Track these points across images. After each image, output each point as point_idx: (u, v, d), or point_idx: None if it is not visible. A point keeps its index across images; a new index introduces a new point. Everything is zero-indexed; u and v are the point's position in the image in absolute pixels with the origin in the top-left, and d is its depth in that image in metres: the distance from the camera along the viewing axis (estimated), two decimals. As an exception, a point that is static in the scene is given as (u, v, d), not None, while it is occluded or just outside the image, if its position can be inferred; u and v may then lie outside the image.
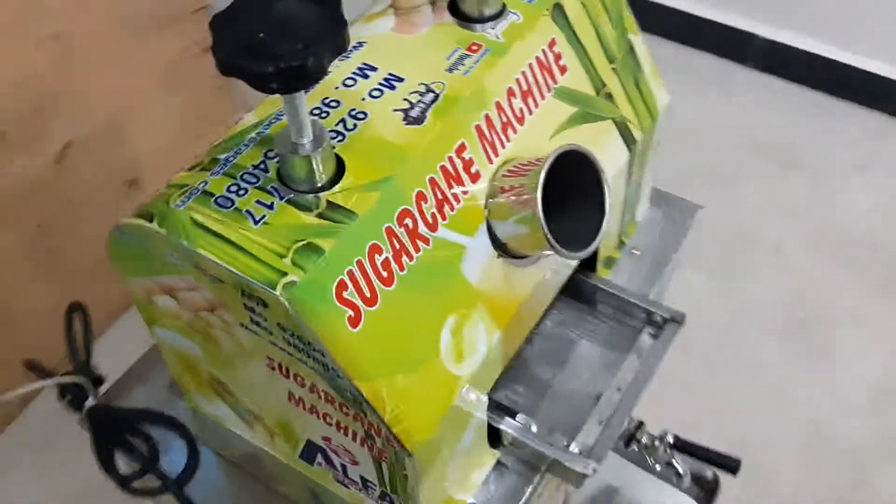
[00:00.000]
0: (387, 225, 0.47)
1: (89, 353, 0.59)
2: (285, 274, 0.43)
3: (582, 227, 0.52)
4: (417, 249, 0.48)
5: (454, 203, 0.50)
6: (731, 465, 0.70)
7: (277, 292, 0.42)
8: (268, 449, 0.58)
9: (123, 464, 0.59)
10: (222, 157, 0.48)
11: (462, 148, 0.51)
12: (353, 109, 0.50)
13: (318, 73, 0.41)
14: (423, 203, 0.48)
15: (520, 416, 0.58)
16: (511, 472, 0.59)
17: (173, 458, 0.57)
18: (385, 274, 0.46)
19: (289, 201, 0.46)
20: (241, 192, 0.46)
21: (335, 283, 0.44)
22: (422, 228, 0.48)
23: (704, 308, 1.35)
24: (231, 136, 0.50)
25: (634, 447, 0.68)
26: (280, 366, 0.49)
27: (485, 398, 0.54)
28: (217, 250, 0.44)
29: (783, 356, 1.32)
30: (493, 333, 0.52)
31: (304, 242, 0.44)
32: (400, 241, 0.47)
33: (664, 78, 0.66)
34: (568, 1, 0.58)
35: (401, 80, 0.52)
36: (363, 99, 0.51)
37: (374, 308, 0.45)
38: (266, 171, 0.47)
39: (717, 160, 1.60)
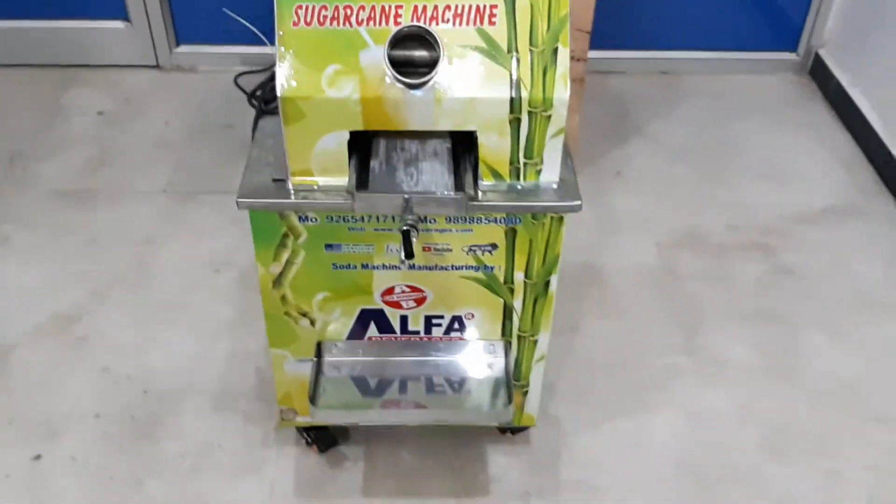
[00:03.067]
0: (347, 4, 1.01)
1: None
2: None
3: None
4: (345, 23, 1.01)
5: (377, 24, 1.01)
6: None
7: None
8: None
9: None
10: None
11: (400, 7, 1.02)
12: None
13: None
14: (361, 11, 1.01)
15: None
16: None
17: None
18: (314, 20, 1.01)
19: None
20: None
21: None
22: (353, 20, 1.01)
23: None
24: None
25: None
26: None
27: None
28: None
29: None
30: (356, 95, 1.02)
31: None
32: (341, 13, 1.01)
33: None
34: (521, -3, 1.03)
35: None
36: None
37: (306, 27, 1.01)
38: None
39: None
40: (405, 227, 1.05)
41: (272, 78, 1.34)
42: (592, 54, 2.40)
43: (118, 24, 2.39)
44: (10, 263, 1.83)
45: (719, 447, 1.49)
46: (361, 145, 1.13)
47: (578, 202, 1.11)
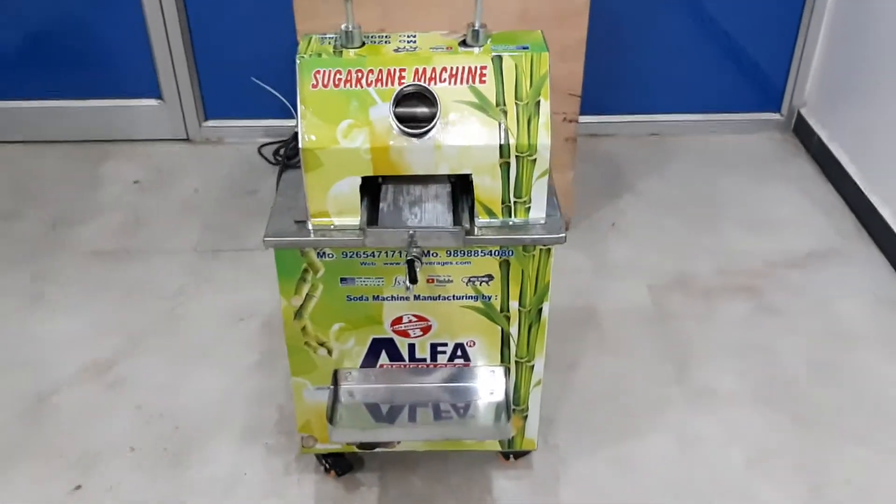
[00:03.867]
0: (358, 68, 1.19)
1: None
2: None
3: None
4: (357, 85, 1.18)
5: (384, 85, 1.19)
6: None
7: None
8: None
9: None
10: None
11: (403, 69, 1.19)
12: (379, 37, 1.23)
13: None
14: (370, 74, 1.19)
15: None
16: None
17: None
18: (330, 83, 1.18)
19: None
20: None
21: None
22: (363, 82, 1.19)
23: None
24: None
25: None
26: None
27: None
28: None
29: None
30: (366, 145, 1.18)
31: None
32: (353, 76, 1.18)
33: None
34: (507, 59, 1.20)
35: (415, 41, 1.23)
36: (396, 50, 1.23)
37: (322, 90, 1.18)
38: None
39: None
40: (410, 258, 1.20)
41: (294, 137, 1.53)
42: (587, 119, 2.60)
43: (151, 102, 2.62)
44: (53, 317, 1.99)
45: (709, 467, 1.60)
46: (371, 190, 1.29)
47: (563, 234, 1.26)
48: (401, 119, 1.20)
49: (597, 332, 1.92)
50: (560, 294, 2.00)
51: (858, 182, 2.32)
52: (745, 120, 2.74)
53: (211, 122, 2.68)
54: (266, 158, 2.57)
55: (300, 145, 1.21)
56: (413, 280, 1.20)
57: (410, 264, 1.19)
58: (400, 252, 1.28)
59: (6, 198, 2.42)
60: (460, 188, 1.31)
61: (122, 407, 1.74)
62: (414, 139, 1.21)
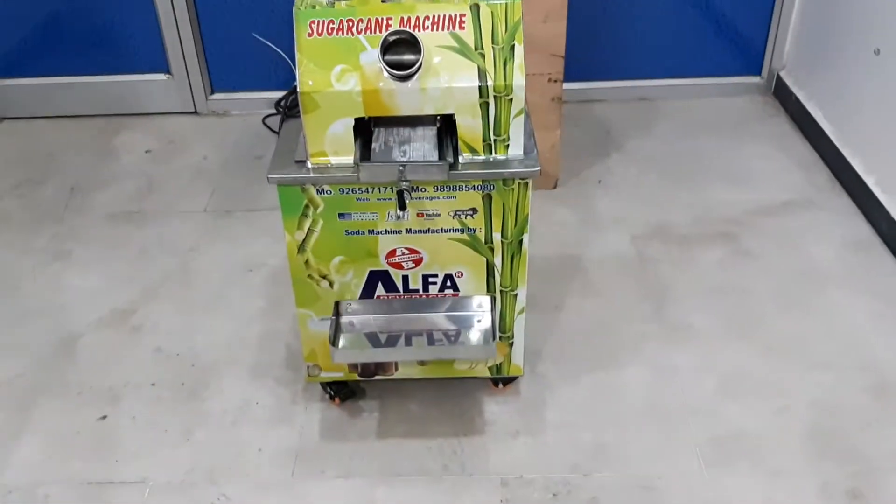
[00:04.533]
0: (349, 17, 1.32)
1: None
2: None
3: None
4: (348, 33, 1.31)
5: (373, 32, 1.32)
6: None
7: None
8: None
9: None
10: None
11: (390, 18, 1.32)
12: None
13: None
14: (360, 23, 1.32)
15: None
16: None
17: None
18: (324, 31, 1.31)
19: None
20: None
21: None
22: (354, 30, 1.32)
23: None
24: None
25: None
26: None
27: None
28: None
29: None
30: (358, 88, 1.31)
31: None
32: (345, 25, 1.31)
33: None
34: (483, 8, 1.33)
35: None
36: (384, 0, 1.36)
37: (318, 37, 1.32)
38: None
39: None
40: (399, 189, 1.33)
41: (294, 90, 1.64)
42: (579, 85, 2.73)
43: (160, 77, 2.76)
44: (74, 272, 2.13)
45: (681, 392, 1.73)
46: (365, 133, 1.43)
47: (538, 168, 1.39)
48: (389, 65, 1.33)
49: (582, 277, 2.05)
50: (547, 245, 2.14)
51: (833, 138, 2.44)
52: (727, 84, 2.85)
53: (217, 96, 2.81)
54: (270, 128, 2.70)
55: (298, 89, 1.34)
56: (402, 207, 1.33)
57: (400, 194, 1.33)
58: (392, 188, 1.41)
59: (29, 167, 2.57)
60: (445, 129, 1.44)
61: (142, 348, 1.88)
62: (401, 82, 1.34)
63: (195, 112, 2.82)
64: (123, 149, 2.66)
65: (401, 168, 1.36)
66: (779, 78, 2.79)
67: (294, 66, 1.36)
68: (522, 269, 1.52)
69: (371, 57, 1.34)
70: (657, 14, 2.73)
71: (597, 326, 1.90)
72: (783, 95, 2.77)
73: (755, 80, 2.85)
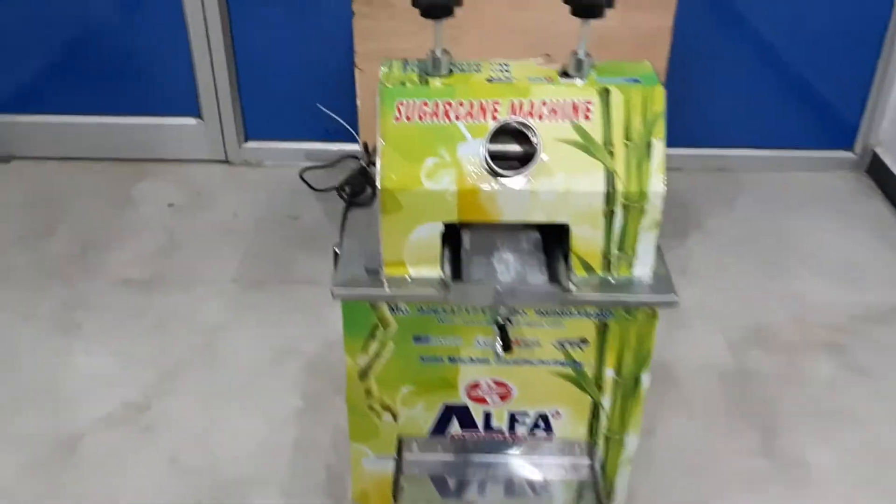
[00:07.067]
0: (447, 100, 1.04)
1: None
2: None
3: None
4: (444, 118, 1.04)
5: (475, 119, 1.04)
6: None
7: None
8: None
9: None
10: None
11: (497, 102, 1.04)
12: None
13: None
14: (460, 107, 1.04)
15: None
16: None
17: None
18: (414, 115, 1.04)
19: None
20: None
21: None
22: (451, 115, 1.04)
23: None
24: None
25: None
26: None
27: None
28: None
29: None
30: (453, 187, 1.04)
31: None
32: (441, 108, 1.04)
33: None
34: (615, 95, 1.05)
35: (509, 70, 1.08)
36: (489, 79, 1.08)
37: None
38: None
39: None
40: (501, 321, 1.04)
41: (361, 171, 1.37)
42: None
43: (190, 121, 2.49)
44: (81, 349, 1.84)
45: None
46: (450, 237, 1.14)
47: (675, 296, 1.10)
48: (492, 158, 1.05)
49: (674, 392, 1.75)
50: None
51: (947, 230, 2.15)
52: (816, 157, 2.56)
53: (251, 144, 2.54)
54: (308, 183, 2.42)
55: (378, 185, 1.06)
56: (507, 347, 1.04)
57: (503, 330, 1.04)
58: (483, 310, 1.13)
59: (37, 216, 2.29)
60: (550, 237, 1.16)
61: (154, 456, 1.59)
62: (507, 182, 1.06)
63: (226, 160, 2.55)
64: (144, 199, 2.38)
65: (499, 290, 1.07)
66: (875, 155, 2.50)
67: (358, 136, 1.08)
68: (636, 412, 1.23)
69: (471, 149, 1.06)
70: (738, 78, 2.46)
71: (697, 460, 1.60)
72: (880, 174, 2.48)
73: (847, 155, 2.56)
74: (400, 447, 1.26)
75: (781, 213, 2.36)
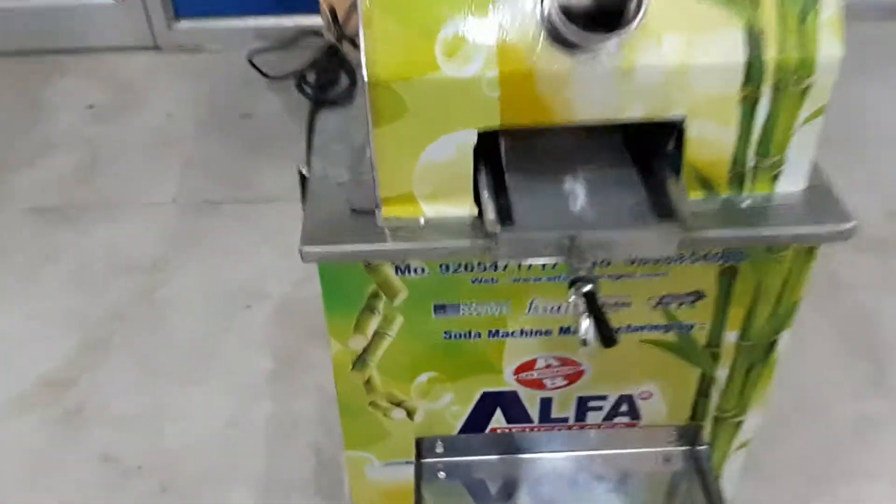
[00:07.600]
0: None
1: None
2: None
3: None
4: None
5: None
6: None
7: None
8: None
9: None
10: None
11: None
12: None
13: None
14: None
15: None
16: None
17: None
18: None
19: None
20: None
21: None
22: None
23: None
24: None
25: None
26: None
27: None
28: None
29: None
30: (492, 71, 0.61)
31: None
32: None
33: None
34: None
35: None
36: None
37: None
38: None
39: None
40: (589, 289, 0.64)
41: (330, 51, 0.96)
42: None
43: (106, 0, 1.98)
44: (-18, 308, 1.43)
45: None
46: (487, 160, 0.72)
47: (849, 223, 0.70)
48: (569, 17, 0.62)
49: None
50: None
51: None
52: None
53: (184, 24, 2.05)
54: (259, 69, 1.94)
55: (365, 76, 0.63)
56: (609, 340, 0.64)
57: (594, 304, 0.63)
58: (542, 265, 0.72)
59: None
60: (641, 146, 0.74)
61: (81, 453, 1.20)
62: (586, 56, 0.63)
63: (155, 47, 2.05)
64: (58, 102, 1.90)
65: (573, 236, 0.66)
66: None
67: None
68: (766, 385, 0.85)
69: (521, 2, 0.62)
70: None
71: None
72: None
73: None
74: (419, 449, 0.88)
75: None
